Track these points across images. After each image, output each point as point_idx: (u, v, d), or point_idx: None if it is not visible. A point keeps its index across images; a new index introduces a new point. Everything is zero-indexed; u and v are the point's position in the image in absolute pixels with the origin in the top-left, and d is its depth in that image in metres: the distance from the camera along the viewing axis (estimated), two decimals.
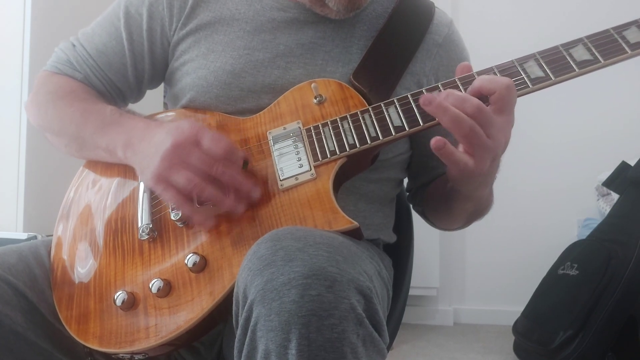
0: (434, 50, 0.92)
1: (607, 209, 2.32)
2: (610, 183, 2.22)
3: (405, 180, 1.05)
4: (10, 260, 0.78)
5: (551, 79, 0.73)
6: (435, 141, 0.68)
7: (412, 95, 0.78)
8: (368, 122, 0.78)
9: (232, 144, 0.74)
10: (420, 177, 1.00)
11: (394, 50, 0.89)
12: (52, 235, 0.88)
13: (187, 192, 0.73)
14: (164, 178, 0.73)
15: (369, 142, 0.77)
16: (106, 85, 0.95)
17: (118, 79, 0.95)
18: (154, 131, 0.78)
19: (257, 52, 0.89)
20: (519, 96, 0.74)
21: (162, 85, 1.02)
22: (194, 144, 0.73)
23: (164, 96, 2.12)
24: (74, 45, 0.96)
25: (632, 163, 2.14)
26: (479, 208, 0.90)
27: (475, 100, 0.68)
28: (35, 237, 1.55)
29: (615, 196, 2.27)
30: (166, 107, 1.02)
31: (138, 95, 1.00)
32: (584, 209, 2.55)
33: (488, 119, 0.68)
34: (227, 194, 0.73)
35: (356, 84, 0.84)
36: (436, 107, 0.68)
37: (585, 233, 2.26)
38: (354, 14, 0.89)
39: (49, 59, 1.00)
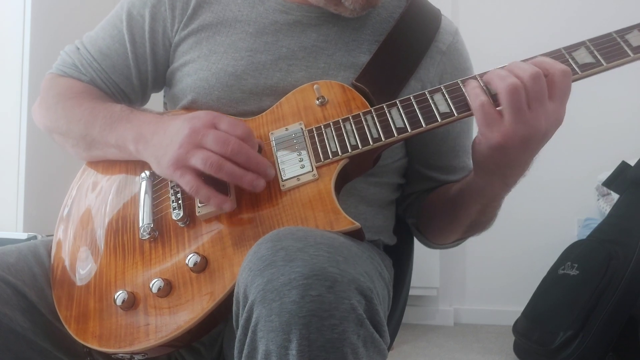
0: (437, 58, 0.92)
1: (607, 209, 2.32)
2: (610, 183, 2.22)
3: None
4: (9, 259, 0.78)
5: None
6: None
7: (414, 97, 0.78)
8: (370, 123, 0.78)
9: (249, 128, 0.75)
10: (413, 185, 0.99)
11: (400, 56, 0.89)
12: (52, 235, 0.88)
13: (206, 172, 0.72)
14: (181, 164, 0.73)
15: (370, 143, 0.76)
16: (111, 88, 0.95)
17: (122, 82, 0.95)
18: (168, 123, 0.78)
19: (260, 54, 0.89)
20: None
21: None
22: (211, 127, 0.74)
23: (165, 95, 2.12)
24: (78, 49, 0.97)
25: (632, 163, 2.14)
26: (482, 217, 0.89)
27: (535, 68, 0.69)
28: (35, 237, 1.55)
29: (615, 196, 2.27)
30: (166, 107, 1.02)
31: (143, 98, 1.01)
32: (584, 209, 2.55)
33: (539, 91, 0.69)
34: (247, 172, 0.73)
35: (359, 86, 0.85)
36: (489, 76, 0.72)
37: (585, 233, 2.26)
38: (366, 12, 0.89)
39: (50, 60, 1.00)
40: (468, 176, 0.86)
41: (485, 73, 0.75)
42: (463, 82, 0.76)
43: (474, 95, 0.72)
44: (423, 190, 0.98)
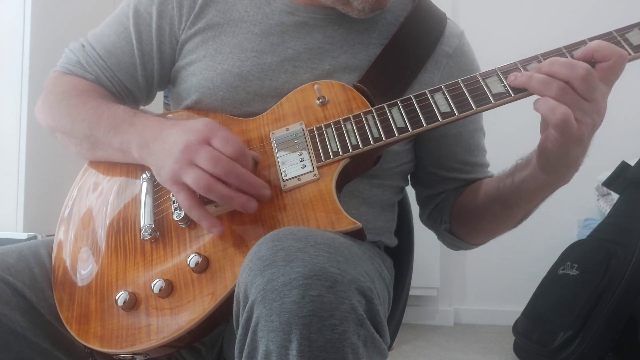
0: (443, 61, 0.92)
1: (607, 209, 2.33)
2: (610, 183, 2.22)
3: (410, 192, 1.04)
4: (9, 260, 0.78)
5: None
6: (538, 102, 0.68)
7: (415, 96, 0.78)
8: (371, 123, 0.78)
9: (242, 145, 0.73)
10: (435, 188, 0.98)
11: (403, 60, 0.88)
12: (52, 235, 0.87)
13: (197, 192, 0.72)
14: (176, 180, 0.73)
15: (371, 143, 0.76)
16: (116, 87, 0.95)
17: (127, 80, 0.95)
18: (168, 131, 0.78)
19: (265, 55, 0.88)
20: (523, 97, 0.74)
21: None
22: (205, 144, 0.72)
23: (165, 96, 2.11)
24: (83, 46, 0.96)
25: (632, 163, 2.14)
26: (534, 209, 0.87)
27: (584, 64, 0.68)
28: (35, 237, 1.55)
29: (615, 196, 2.27)
30: (167, 106, 1.02)
31: (148, 96, 1.00)
32: (584, 209, 2.55)
33: (594, 83, 0.68)
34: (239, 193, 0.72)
35: (360, 86, 0.84)
36: (538, 82, 0.69)
37: (585, 233, 2.26)
38: (374, 14, 0.88)
39: (51, 60, 1.00)
40: (521, 173, 0.82)
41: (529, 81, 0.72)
42: (463, 82, 0.76)
43: (551, 107, 0.68)
44: (447, 191, 0.97)
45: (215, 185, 0.70)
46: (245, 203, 0.72)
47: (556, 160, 0.74)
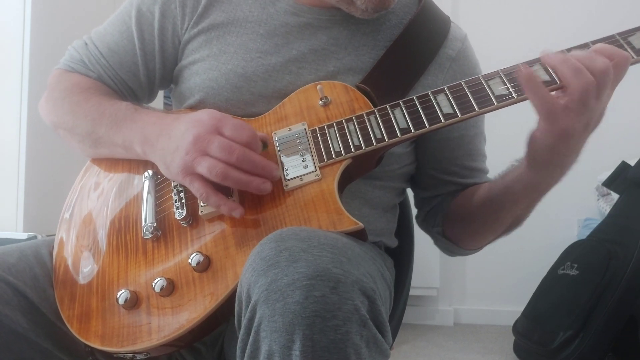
0: (447, 64, 0.91)
1: (607, 209, 2.33)
2: (610, 183, 2.22)
3: (410, 193, 1.04)
4: (10, 260, 0.78)
5: (556, 82, 0.73)
6: (524, 67, 0.68)
7: (417, 97, 0.78)
8: (373, 123, 0.78)
9: (252, 130, 0.75)
10: (432, 191, 0.98)
11: (407, 62, 0.88)
12: (52, 235, 0.87)
13: (212, 180, 0.73)
14: (189, 171, 0.74)
15: (374, 143, 0.76)
16: (118, 85, 0.95)
17: (129, 79, 0.95)
18: (172, 125, 0.78)
19: (270, 55, 0.88)
20: (526, 99, 0.74)
21: None
22: (215, 133, 0.73)
23: (165, 96, 2.11)
24: (86, 44, 0.96)
25: (632, 163, 2.14)
26: (526, 213, 0.87)
27: (605, 62, 0.68)
28: (35, 237, 1.55)
29: (615, 196, 2.27)
30: (167, 107, 1.02)
31: (150, 95, 1.00)
32: (584, 209, 2.55)
33: (605, 84, 0.69)
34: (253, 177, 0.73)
35: (362, 87, 0.84)
36: (557, 60, 0.69)
37: (585, 233, 2.26)
38: (377, 15, 0.88)
39: (50, 59, 1.00)
40: (511, 173, 0.83)
41: (547, 57, 0.72)
42: (466, 83, 0.76)
43: (545, 97, 0.69)
44: (444, 194, 0.97)
45: (231, 172, 0.72)
46: (261, 185, 0.73)
47: (543, 154, 0.74)
